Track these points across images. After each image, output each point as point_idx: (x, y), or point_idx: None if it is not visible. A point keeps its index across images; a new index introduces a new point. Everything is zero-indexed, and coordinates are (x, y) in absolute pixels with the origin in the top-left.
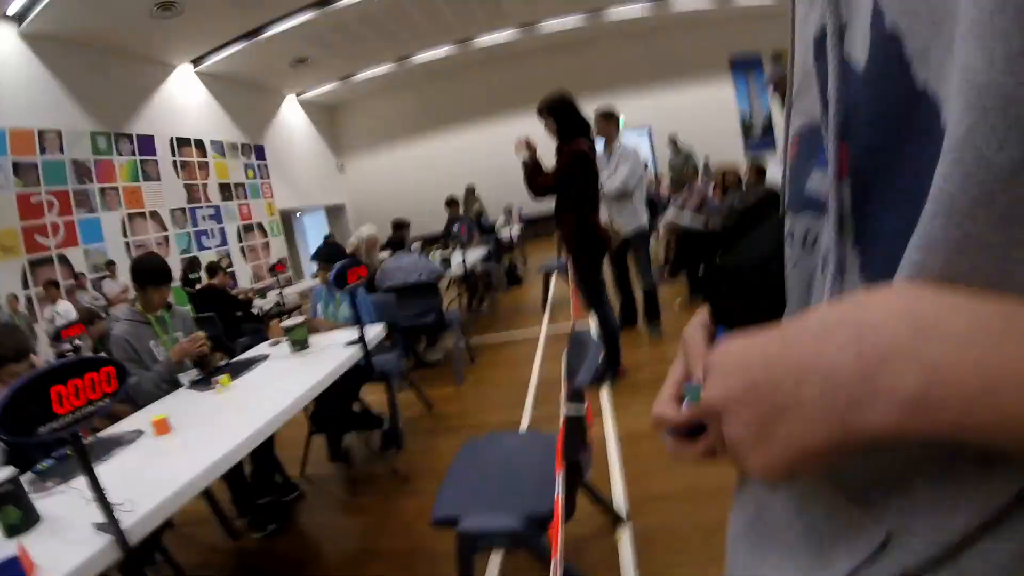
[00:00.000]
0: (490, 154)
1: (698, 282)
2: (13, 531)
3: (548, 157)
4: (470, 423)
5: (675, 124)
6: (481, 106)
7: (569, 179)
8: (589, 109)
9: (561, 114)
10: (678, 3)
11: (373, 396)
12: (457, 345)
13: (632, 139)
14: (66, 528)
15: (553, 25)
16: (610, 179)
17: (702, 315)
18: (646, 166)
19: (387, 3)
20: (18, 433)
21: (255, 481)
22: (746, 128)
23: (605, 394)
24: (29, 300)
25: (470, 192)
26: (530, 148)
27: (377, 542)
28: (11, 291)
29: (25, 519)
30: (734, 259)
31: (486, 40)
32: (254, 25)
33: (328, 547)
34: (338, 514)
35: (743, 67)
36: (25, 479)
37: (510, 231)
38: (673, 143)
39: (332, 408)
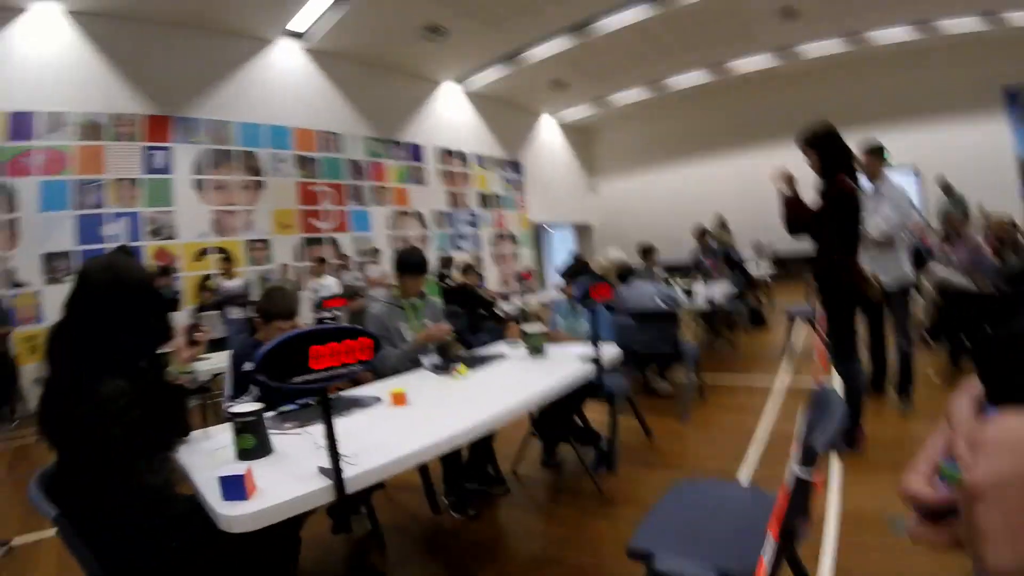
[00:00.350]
0: (743, 185)
1: (963, 350)
2: (246, 455)
3: (808, 192)
4: (686, 463)
5: (943, 165)
6: (736, 134)
7: (830, 218)
8: (850, 143)
9: (825, 147)
10: (945, 25)
11: (595, 414)
12: (688, 380)
13: (896, 179)
14: (292, 464)
15: (811, 50)
16: (873, 222)
17: (970, 387)
18: (913, 210)
19: (642, 29)
20: (275, 378)
21: (468, 466)
22: None
23: (836, 465)
24: (299, 271)
25: (721, 223)
26: (790, 181)
27: (564, 553)
28: (285, 261)
29: (259, 448)
30: (1011, 328)
31: (741, 65)
32: (514, 49)
33: (517, 545)
34: (535, 517)
35: (1020, 100)
36: (268, 416)
37: (759, 269)
38: (943, 187)
39: (554, 416)
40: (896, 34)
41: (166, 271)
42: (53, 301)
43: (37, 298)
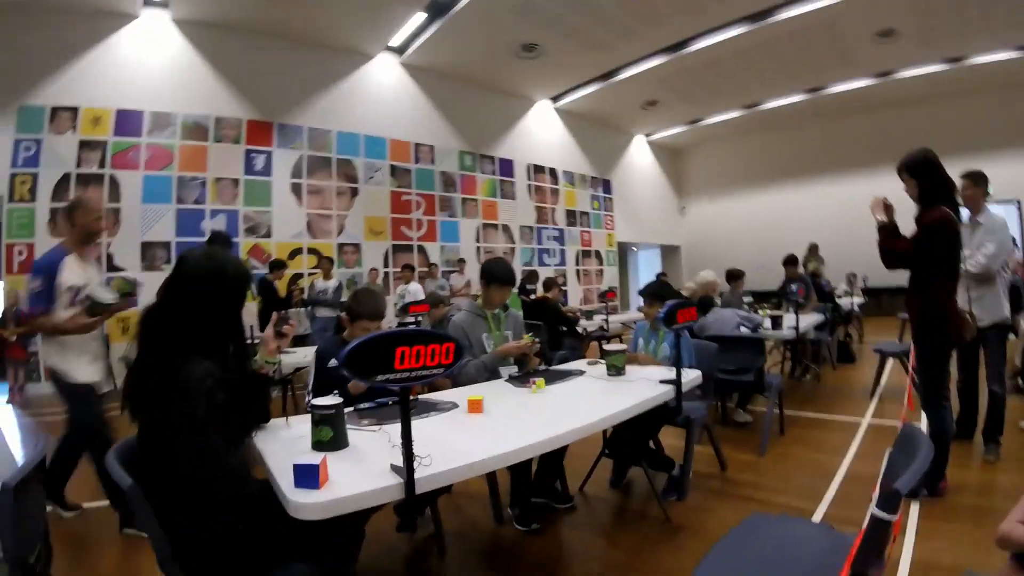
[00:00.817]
0: (838, 213)
1: None
2: (322, 446)
3: (906, 222)
4: (759, 497)
5: None
6: (830, 159)
7: (928, 250)
8: (952, 172)
9: (925, 175)
10: None
11: (670, 439)
12: (769, 412)
13: (998, 211)
14: (365, 460)
15: (911, 74)
16: (973, 256)
17: None
18: (1015, 244)
19: (737, 50)
20: (359, 374)
21: (537, 480)
22: None
23: (913, 511)
24: (386, 276)
25: (813, 250)
26: (889, 210)
27: None
28: (374, 266)
29: (335, 441)
30: None
31: (838, 88)
32: (609, 68)
33: (575, 565)
34: (598, 538)
35: None
36: (346, 411)
37: (851, 301)
38: None
39: (628, 437)
40: (998, 57)
41: (278, 266)
42: (149, 287)
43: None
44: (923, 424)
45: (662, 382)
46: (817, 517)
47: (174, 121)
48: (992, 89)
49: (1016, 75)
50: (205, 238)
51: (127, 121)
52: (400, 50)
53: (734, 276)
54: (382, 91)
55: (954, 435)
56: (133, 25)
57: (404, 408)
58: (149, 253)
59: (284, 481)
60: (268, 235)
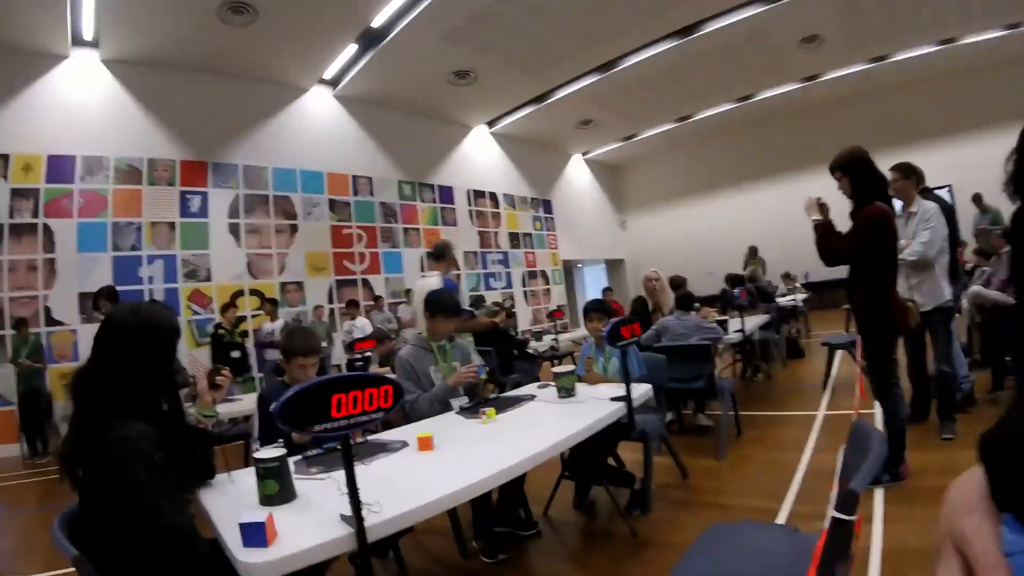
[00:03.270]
0: (774, 214)
1: (1006, 370)
2: (269, 501)
3: (841, 219)
4: (723, 502)
5: (978, 182)
6: (763, 164)
7: (865, 245)
8: (884, 166)
9: (857, 172)
10: (966, 39)
11: (629, 454)
12: (724, 416)
13: (929, 200)
14: (315, 511)
15: (837, 76)
16: (909, 245)
17: (977, 486)
18: (947, 228)
19: (667, 65)
20: (295, 426)
21: (499, 509)
22: None
23: (878, 498)
24: (332, 312)
25: (752, 252)
26: (822, 209)
27: None
28: (319, 303)
29: (282, 494)
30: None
31: (767, 95)
32: (541, 90)
33: None
34: (566, 562)
35: None
36: (293, 460)
37: (793, 299)
38: (978, 203)
39: (587, 458)
40: (916, 54)
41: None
42: (89, 340)
43: (73, 336)
44: (877, 412)
45: (613, 399)
46: (782, 517)
47: (107, 165)
48: (915, 83)
49: (938, 67)
50: (143, 285)
51: (59, 167)
52: (333, 82)
53: (677, 284)
54: (317, 124)
55: (909, 419)
56: (63, 66)
57: (347, 456)
58: (87, 304)
59: (232, 540)
60: (208, 278)
